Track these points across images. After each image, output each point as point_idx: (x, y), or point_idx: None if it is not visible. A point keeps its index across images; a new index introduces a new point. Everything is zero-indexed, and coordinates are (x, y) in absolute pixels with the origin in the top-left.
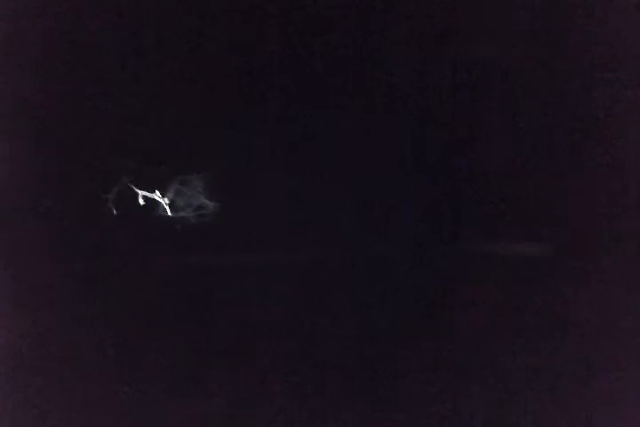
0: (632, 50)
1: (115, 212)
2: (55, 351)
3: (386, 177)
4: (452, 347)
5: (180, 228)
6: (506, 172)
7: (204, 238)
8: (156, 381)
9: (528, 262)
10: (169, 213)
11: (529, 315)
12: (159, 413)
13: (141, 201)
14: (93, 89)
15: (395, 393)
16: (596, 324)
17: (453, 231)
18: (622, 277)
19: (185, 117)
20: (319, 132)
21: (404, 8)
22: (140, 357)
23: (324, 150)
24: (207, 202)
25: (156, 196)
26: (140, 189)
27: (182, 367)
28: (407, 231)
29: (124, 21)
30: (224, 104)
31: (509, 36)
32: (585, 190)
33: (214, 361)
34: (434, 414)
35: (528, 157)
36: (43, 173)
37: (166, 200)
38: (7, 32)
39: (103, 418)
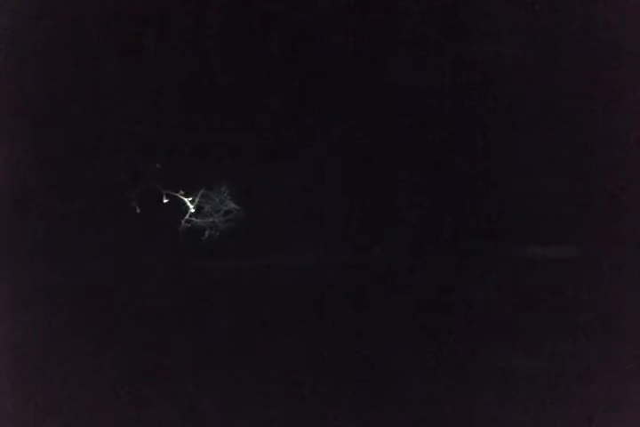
0: (632, 50)
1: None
2: (55, 351)
3: (388, 179)
4: (453, 347)
5: (209, 233)
6: (505, 172)
7: (230, 243)
8: (156, 381)
9: (528, 263)
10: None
11: (530, 315)
12: (159, 412)
13: (165, 200)
14: (116, 91)
15: (395, 393)
16: (595, 324)
17: (454, 232)
18: (622, 277)
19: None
20: (321, 137)
21: (405, 8)
22: (141, 357)
23: (327, 154)
24: (235, 207)
25: (180, 195)
26: (165, 190)
27: (183, 367)
28: (409, 233)
29: (125, 22)
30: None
31: (510, 36)
32: (585, 190)
33: (215, 361)
34: (434, 414)
35: (528, 157)
36: (48, 174)
37: (193, 204)
38: (7, 32)
39: (103, 417)
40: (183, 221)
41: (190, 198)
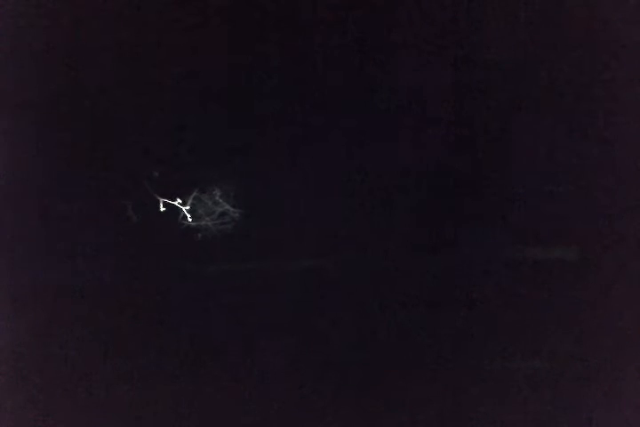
0: (632, 50)
1: (135, 218)
2: (55, 351)
3: (387, 181)
4: (453, 348)
5: (201, 236)
6: (505, 173)
7: (223, 246)
8: (156, 380)
9: (528, 264)
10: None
11: (529, 316)
12: (159, 412)
13: (162, 208)
14: (109, 95)
15: (395, 393)
16: (595, 324)
17: (453, 235)
18: (622, 277)
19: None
20: (319, 137)
21: (406, 9)
22: (141, 357)
23: (325, 154)
24: (230, 209)
25: (177, 203)
26: (160, 197)
27: (183, 367)
28: (407, 235)
29: (124, 22)
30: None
31: (510, 37)
32: (585, 191)
33: (216, 361)
34: (434, 414)
35: (528, 157)
36: (52, 176)
37: (187, 208)
38: (7, 33)
39: (104, 417)
40: (177, 224)
41: (188, 207)
